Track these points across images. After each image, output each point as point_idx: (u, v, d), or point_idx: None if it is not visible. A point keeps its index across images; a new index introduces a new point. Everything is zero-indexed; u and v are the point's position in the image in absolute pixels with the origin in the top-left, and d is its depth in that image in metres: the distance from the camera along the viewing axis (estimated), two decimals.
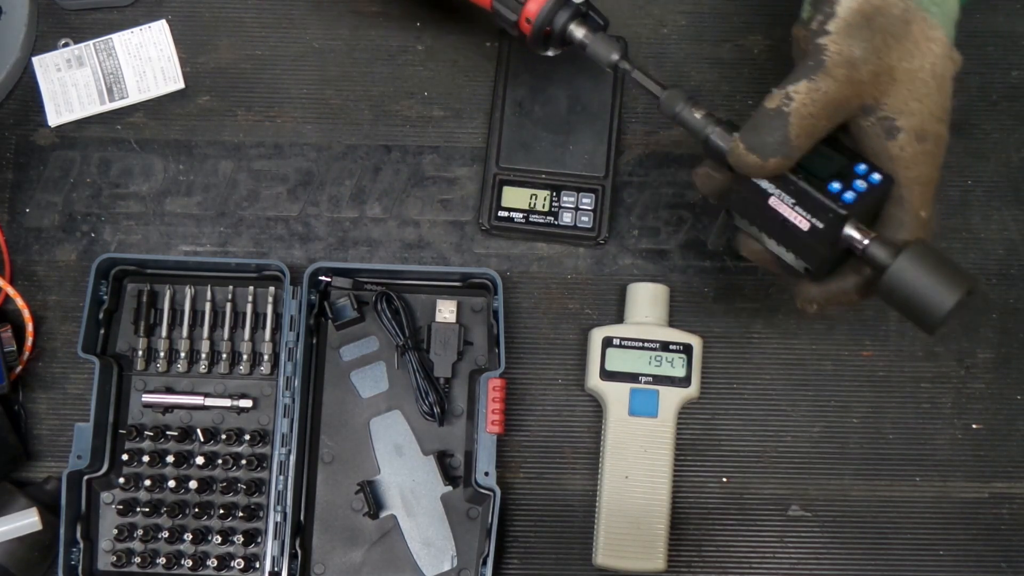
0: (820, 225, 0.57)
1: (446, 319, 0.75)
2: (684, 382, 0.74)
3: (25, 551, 0.70)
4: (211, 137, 0.79)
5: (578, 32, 0.65)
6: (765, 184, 0.58)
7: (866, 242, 0.57)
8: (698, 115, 0.61)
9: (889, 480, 0.76)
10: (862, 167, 0.58)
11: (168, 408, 0.75)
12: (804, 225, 0.57)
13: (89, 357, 0.72)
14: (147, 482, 0.73)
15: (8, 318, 0.76)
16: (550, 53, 0.68)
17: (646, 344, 0.74)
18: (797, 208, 0.57)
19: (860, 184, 0.58)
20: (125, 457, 0.74)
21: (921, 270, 0.55)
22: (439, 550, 0.73)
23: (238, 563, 0.73)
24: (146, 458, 0.74)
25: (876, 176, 0.58)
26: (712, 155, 0.61)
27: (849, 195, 0.57)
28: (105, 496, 0.74)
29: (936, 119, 0.59)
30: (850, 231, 0.57)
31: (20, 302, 0.76)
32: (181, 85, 0.80)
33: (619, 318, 0.76)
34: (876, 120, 0.58)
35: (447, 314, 0.75)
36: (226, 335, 0.75)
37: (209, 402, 0.75)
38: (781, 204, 0.58)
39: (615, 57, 0.64)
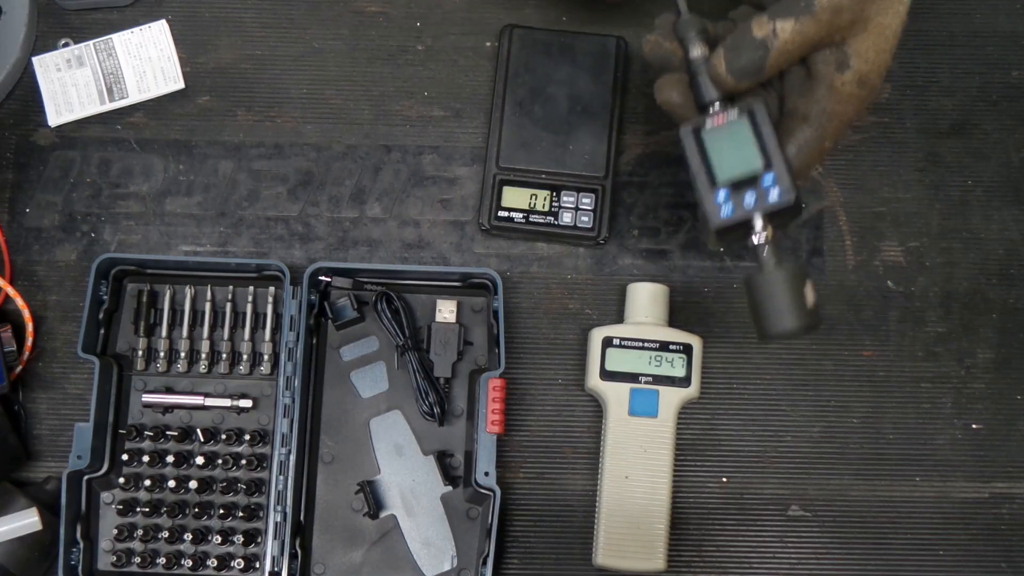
0: (700, 215, 0.62)
1: (446, 319, 0.75)
2: (684, 382, 0.74)
3: (25, 551, 0.70)
4: (211, 137, 0.79)
5: None
6: (686, 151, 0.61)
7: (760, 241, 0.60)
8: (697, 52, 0.62)
9: (889, 480, 0.76)
10: (769, 179, 0.60)
11: (168, 408, 0.75)
12: (697, 199, 0.62)
13: (89, 357, 0.72)
14: (147, 482, 0.73)
15: (8, 318, 0.76)
16: None
17: (646, 344, 0.74)
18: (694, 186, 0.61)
19: (750, 199, 0.60)
20: (125, 457, 0.74)
21: (788, 290, 0.59)
22: (439, 550, 0.73)
23: (238, 563, 0.73)
24: (146, 458, 0.74)
25: (774, 194, 0.59)
26: (695, 93, 0.62)
27: (727, 209, 0.60)
28: (105, 496, 0.74)
29: (880, 73, 0.62)
30: (755, 219, 0.60)
31: (20, 302, 0.76)
32: (181, 85, 0.80)
33: (619, 318, 0.76)
34: (831, 52, 0.61)
35: (447, 314, 0.75)
36: (226, 335, 0.75)
37: (209, 402, 0.75)
38: (689, 171, 0.62)
39: None
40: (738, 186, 0.60)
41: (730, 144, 0.60)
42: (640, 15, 0.81)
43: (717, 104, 0.61)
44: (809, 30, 0.59)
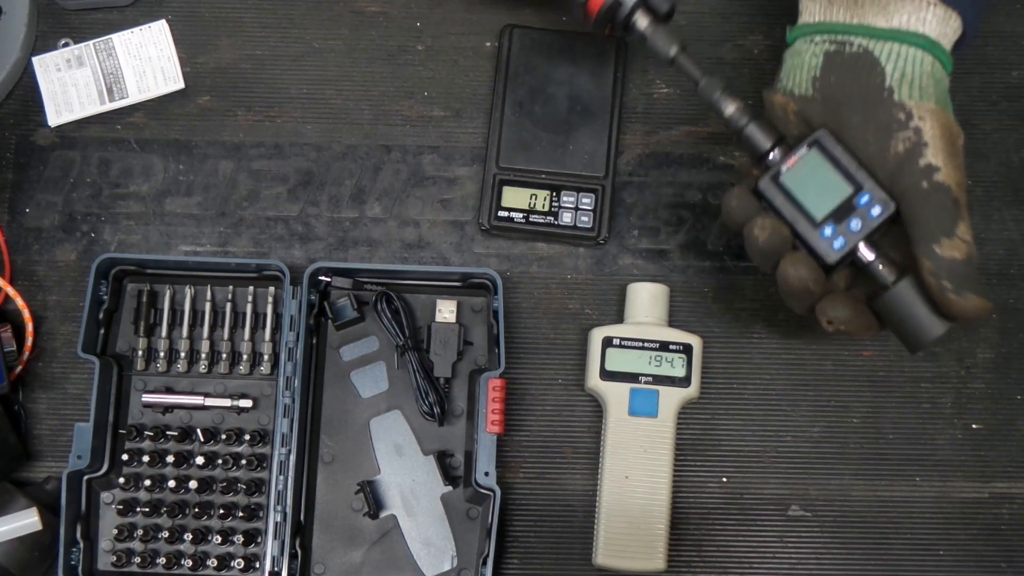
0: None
1: (446, 319, 0.75)
2: (684, 382, 0.74)
3: (25, 551, 0.70)
4: (211, 137, 0.79)
5: (641, 22, 0.64)
6: (774, 202, 0.60)
7: (870, 259, 0.59)
8: (732, 108, 0.62)
9: (889, 480, 0.76)
10: (864, 198, 0.60)
11: (168, 408, 0.75)
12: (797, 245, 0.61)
13: (89, 357, 0.72)
14: (147, 482, 0.73)
15: (8, 318, 0.76)
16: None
17: (646, 344, 0.74)
18: (799, 240, 0.61)
19: (855, 224, 0.59)
20: (125, 457, 0.74)
21: (917, 298, 0.58)
22: (439, 550, 0.73)
23: (238, 563, 0.73)
24: (146, 458, 0.74)
25: (876, 210, 0.59)
26: (746, 148, 0.62)
27: (839, 242, 0.59)
28: (105, 496, 0.74)
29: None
30: (860, 246, 0.59)
31: (20, 302, 0.76)
32: (181, 85, 0.80)
33: (619, 318, 0.76)
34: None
35: (447, 314, 0.75)
36: (226, 335, 0.75)
37: (209, 402, 0.75)
38: (784, 220, 0.61)
39: (674, 52, 0.64)
40: (837, 216, 0.59)
41: (813, 179, 0.60)
42: None
43: (776, 149, 0.61)
44: (967, 216, 0.58)
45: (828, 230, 0.60)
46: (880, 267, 0.59)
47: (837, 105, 0.60)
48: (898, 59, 0.59)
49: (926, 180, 0.58)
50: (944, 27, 0.60)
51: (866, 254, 0.60)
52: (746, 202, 0.61)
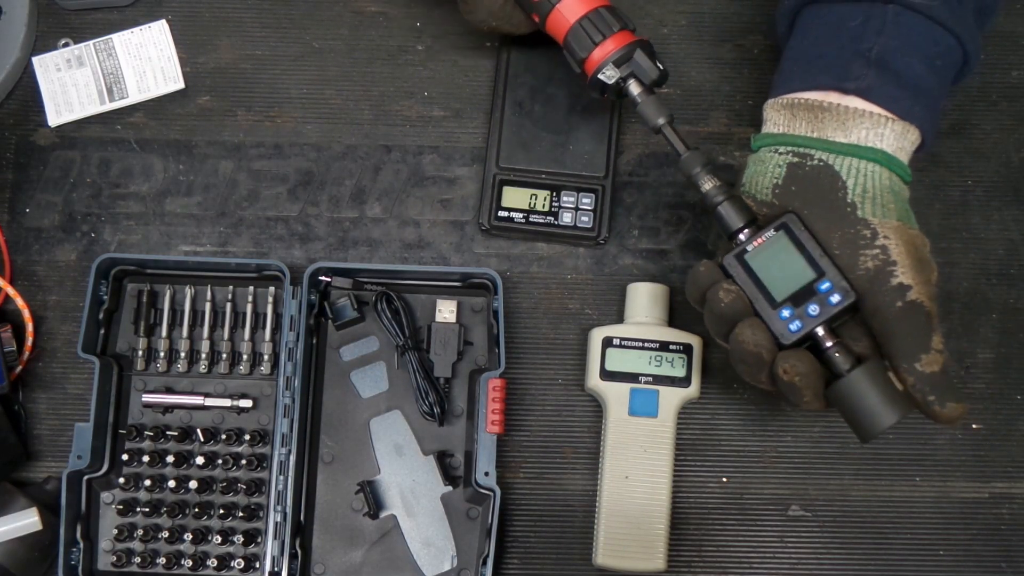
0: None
1: (446, 319, 0.75)
2: (684, 382, 0.74)
3: (25, 551, 0.70)
4: (211, 137, 0.79)
5: (634, 89, 0.67)
6: (736, 279, 0.62)
7: (828, 345, 0.61)
8: (709, 185, 0.63)
9: (889, 480, 0.76)
10: (825, 285, 0.61)
11: (168, 408, 0.75)
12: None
13: (89, 357, 0.72)
14: (147, 482, 0.73)
15: (8, 318, 0.76)
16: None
17: (646, 344, 0.74)
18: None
19: (813, 309, 0.60)
20: (125, 457, 0.74)
21: (871, 387, 0.59)
22: (439, 550, 0.73)
23: (238, 563, 0.73)
24: (146, 458, 0.74)
25: (835, 297, 0.60)
26: (718, 223, 0.63)
27: (795, 325, 0.60)
28: (105, 496, 0.74)
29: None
30: (817, 330, 0.60)
31: (20, 302, 0.76)
32: (181, 85, 0.80)
33: (619, 318, 0.76)
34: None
35: (447, 314, 0.75)
36: (226, 335, 0.75)
37: (209, 402, 0.75)
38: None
39: (661, 122, 0.66)
40: (796, 300, 0.60)
41: (777, 261, 0.61)
42: (641, 16, 0.81)
43: (747, 230, 0.62)
44: (937, 326, 0.60)
45: (786, 312, 0.61)
46: (836, 354, 0.60)
47: (803, 216, 0.62)
48: (858, 174, 0.61)
49: (900, 300, 0.59)
50: (902, 141, 0.62)
51: (823, 340, 0.60)
52: (713, 273, 0.63)
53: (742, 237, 0.62)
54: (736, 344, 0.61)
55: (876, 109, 0.61)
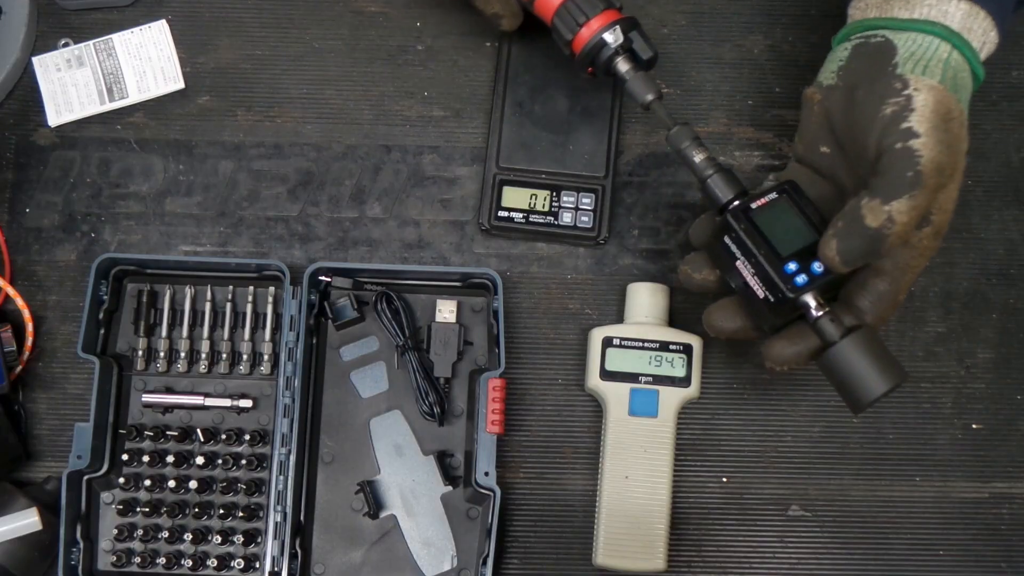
0: (771, 299, 0.60)
1: (446, 319, 0.75)
2: (684, 382, 0.74)
3: (25, 551, 0.70)
4: (211, 137, 0.79)
5: (622, 67, 0.66)
6: (734, 248, 0.61)
7: (818, 314, 0.60)
8: (699, 157, 0.63)
9: (889, 480, 0.76)
10: None
11: (168, 408, 0.75)
12: (760, 293, 0.61)
13: (89, 357, 0.72)
14: (147, 482, 0.73)
15: (8, 318, 0.76)
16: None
17: (646, 344, 0.74)
18: (756, 277, 0.61)
19: (817, 267, 0.60)
20: (125, 457, 0.74)
21: (862, 356, 0.59)
22: (439, 550, 0.73)
23: (238, 563, 0.73)
24: (146, 458, 0.74)
25: None
26: (708, 197, 0.63)
27: (801, 278, 0.60)
28: (105, 496, 0.74)
29: (950, 218, 0.60)
30: (806, 299, 0.60)
31: (20, 302, 0.76)
32: (181, 85, 0.80)
33: (619, 318, 0.76)
34: None
35: (447, 314, 0.75)
36: (226, 335, 0.75)
37: (209, 402, 0.75)
38: (745, 269, 0.61)
39: (650, 98, 0.66)
40: (801, 257, 0.60)
41: (780, 221, 0.61)
42: (641, 16, 0.81)
43: (736, 202, 0.62)
44: (922, 204, 0.56)
45: (792, 266, 0.60)
46: (829, 321, 0.60)
47: (852, 88, 0.61)
48: (912, 44, 0.60)
49: (900, 142, 0.57)
50: (969, 22, 0.61)
51: (815, 309, 0.60)
52: (709, 227, 0.63)
53: (737, 202, 0.62)
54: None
55: None
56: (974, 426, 0.77)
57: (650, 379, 0.73)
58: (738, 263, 0.61)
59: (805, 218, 0.61)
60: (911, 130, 0.57)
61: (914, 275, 0.61)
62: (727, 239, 0.61)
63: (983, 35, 0.62)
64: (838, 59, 0.63)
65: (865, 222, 0.56)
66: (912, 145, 0.56)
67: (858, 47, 0.62)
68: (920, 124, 0.57)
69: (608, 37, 0.66)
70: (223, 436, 0.74)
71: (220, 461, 0.74)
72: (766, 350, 0.63)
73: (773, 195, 0.62)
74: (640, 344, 0.74)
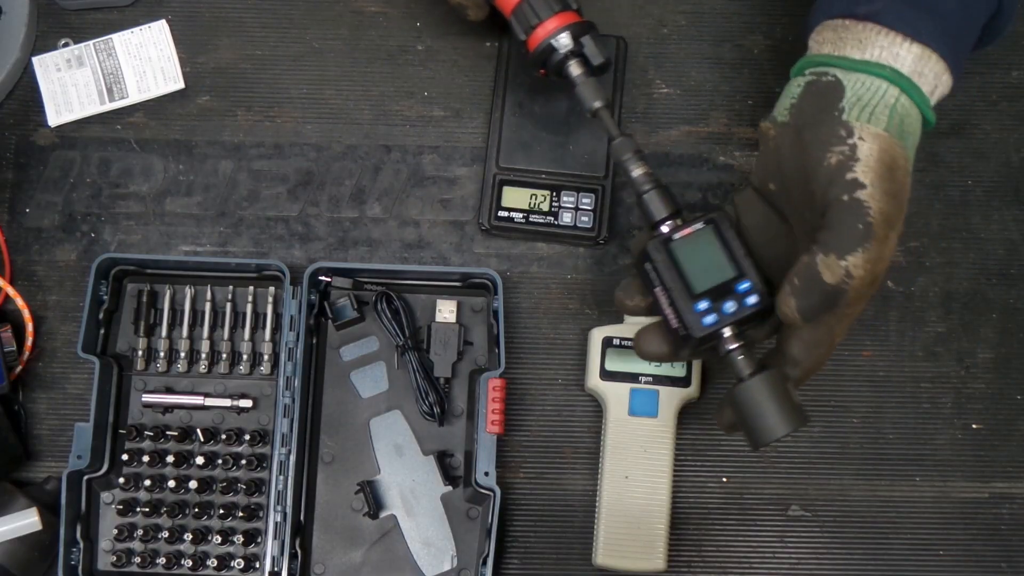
0: (681, 332, 0.60)
1: (446, 319, 0.75)
2: (684, 382, 0.74)
3: (25, 551, 0.70)
4: (211, 137, 0.79)
5: (573, 71, 0.66)
6: (652, 276, 0.61)
7: (730, 347, 0.60)
8: (638, 172, 0.63)
9: (889, 480, 0.76)
10: (744, 285, 0.60)
11: (168, 408, 0.75)
12: (673, 323, 0.61)
13: (89, 357, 0.72)
14: (147, 482, 0.73)
15: (8, 318, 0.76)
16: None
17: None
18: (671, 308, 0.61)
19: (730, 306, 0.60)
20: (125, 457, 0.74)
21: (769, 396, 0.58)
22: (439, 550, 0.73)
23: (238, 563, 0.73)
24: (146, 458, 0.74)
25: (752, 299, 0.60)
26: (642, 211, 0.63)
27: (710, 318, 0.59)
28: (105, 496, 0.74)
29: (887, 267, 0.59)
30: (722, 331, 0.60)
31: (20, 302, 0.76)
32: (181, 85, 0.80)
33: (619, 318, 0.76)
34: None
35: (447, 314, 0.75)
36: (226, 335, 0.75)
37: (209, 402, 0.75)
38: (662, 297, 0.61)
39: (597, 105, 0.66)
40: (714, 295, 0.60)
41: (700, 255, 0.61)
42: (641, 16, 0.81)
43: (670, 221, 0.62)
44: (876, 255, 0.56)
45: (703, 304, 0.60)
46: (739, 357, 0.59)
47: (800, 129, 0.61)
48: (860, 86, 0.60)
49: (846, 194, 0.57)
50: (921, 66, 0.60)
51: (729, 343, 0.60)
52: (643, 244, 0.63)
53: (664, 229, 0.62)
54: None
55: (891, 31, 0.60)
56: (974, 426, 0.77)
57: (650, 379, 0.73)
58: (656, 290, 0.61)
59: (727, 252, 0.60)
60: (857, 180, 0.57)
61: (849, 322, 0.60)
62: (647, 266, 0.61)
63: (935, 79, 0.61)
64: (791, 95, 0.62)
65: (823, 279, 0.56)
66: (859, 196, 0.56)
67: (810, 84, 0.62)
68: (865, 175, 0.57)
69: (560, 40, 0.66)
70: (223, 436, 0.74)
71: (220, 461, 0.74)
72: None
73: (699, 225, 0.61)
74: None
